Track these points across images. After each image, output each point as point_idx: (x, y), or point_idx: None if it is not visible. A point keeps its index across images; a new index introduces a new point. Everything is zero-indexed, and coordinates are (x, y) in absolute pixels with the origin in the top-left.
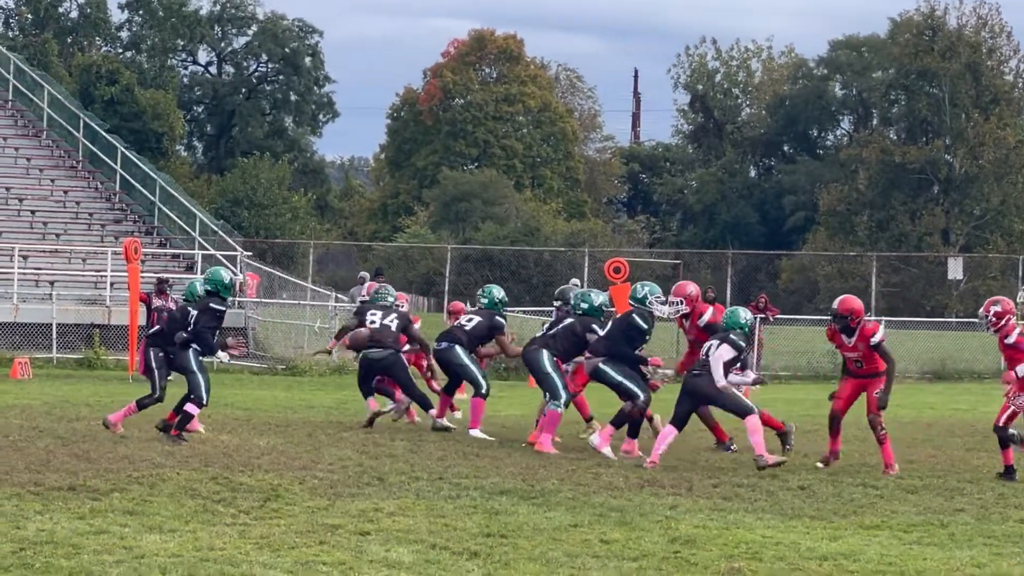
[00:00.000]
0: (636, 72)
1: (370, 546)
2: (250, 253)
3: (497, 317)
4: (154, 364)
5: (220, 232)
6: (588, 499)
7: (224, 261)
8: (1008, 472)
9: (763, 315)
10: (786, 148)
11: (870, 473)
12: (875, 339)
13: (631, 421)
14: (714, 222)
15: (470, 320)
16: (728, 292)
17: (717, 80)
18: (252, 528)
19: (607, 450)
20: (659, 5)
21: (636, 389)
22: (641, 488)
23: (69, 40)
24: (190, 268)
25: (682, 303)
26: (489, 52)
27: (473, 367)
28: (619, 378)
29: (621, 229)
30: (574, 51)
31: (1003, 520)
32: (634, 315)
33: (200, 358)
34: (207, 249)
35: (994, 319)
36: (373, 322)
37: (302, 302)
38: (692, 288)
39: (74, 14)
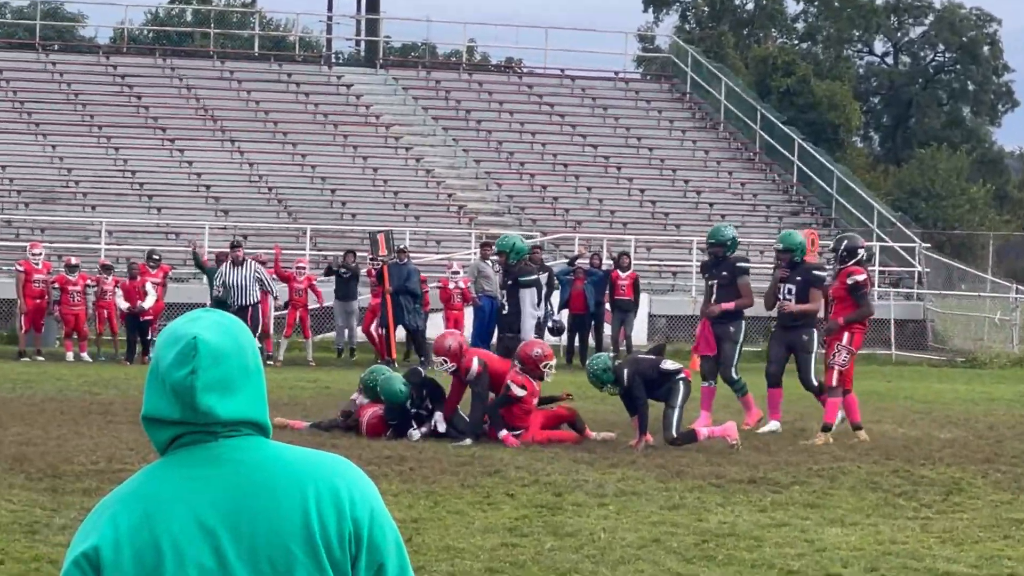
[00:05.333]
0: None
1: None
2: (928, 245)
3: None
4: None
5: (898, 224)
6: None
7: (902, 252)
8: None
9: None
10: None
11: None
12: None
13: None
14: None
15: None
16: None
17: None
18: (934, 522)
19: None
20: None
21: None
22: None
23: (745, 32)
24: (868, 259)
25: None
26: None
27: None
28: None
29: None
30: None
31: None
32: None
33: None
34: (885, 241)
35: None
36: None
37: (981, 294)
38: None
39: (750, 6)
